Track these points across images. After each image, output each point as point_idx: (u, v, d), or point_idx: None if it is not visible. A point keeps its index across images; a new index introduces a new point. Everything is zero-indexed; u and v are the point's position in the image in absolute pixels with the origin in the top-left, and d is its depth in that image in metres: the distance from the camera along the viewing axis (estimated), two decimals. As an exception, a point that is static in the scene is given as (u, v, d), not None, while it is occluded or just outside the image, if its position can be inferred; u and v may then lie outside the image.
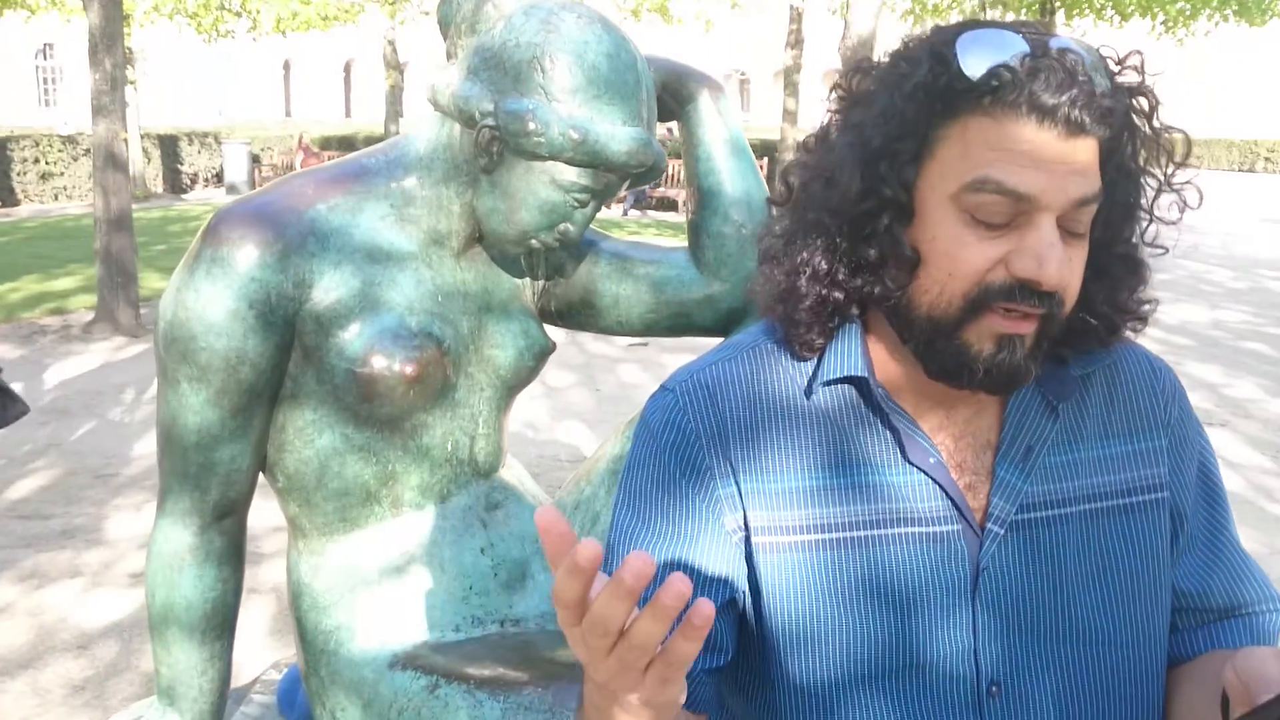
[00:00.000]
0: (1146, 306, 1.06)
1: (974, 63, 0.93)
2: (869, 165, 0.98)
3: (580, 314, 1.80)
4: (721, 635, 1.05)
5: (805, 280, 1.03)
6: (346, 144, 22.78)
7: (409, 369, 1.52)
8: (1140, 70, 0.98)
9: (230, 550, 1.63)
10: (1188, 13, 16.18)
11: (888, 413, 1.03)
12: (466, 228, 1.61)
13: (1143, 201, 1.02)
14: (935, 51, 0.96)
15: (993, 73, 0.92)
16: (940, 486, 1.02)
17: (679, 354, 7.86)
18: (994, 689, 1.03)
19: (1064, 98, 0.90)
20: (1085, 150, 0.93)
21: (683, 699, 0.83)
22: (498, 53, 1.49)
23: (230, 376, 1.49)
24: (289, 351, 1.53)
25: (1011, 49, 0.93)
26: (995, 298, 0.94)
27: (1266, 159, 37.30)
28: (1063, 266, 0.92)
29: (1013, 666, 1.04)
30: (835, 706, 1.03)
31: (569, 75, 1.46)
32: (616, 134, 1.48)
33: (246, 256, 1.46)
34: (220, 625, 1.65)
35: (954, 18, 17.44)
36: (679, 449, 1.05)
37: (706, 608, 0.71)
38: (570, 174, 1.50)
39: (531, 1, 1.54)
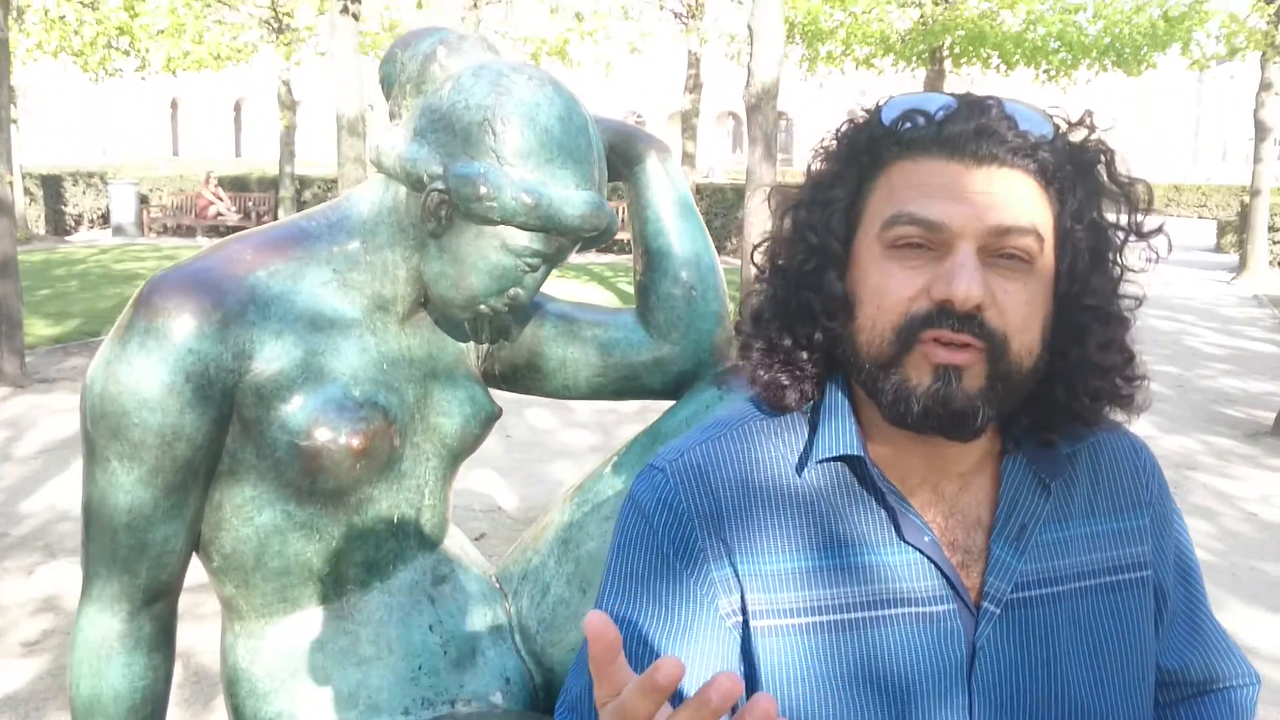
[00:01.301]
0: (1135, 386, 1.05)
1: (891, 112, 0.99)
2: (803, 218, 1.04)
3: (526, 378, 1.76)
4: None
5: (752, 328, 1.07)
6: (239, 184, 22.33)
7: (355, 441, 1.46)
8: (1089, 126, 1.00)
9: (161, 636, 1.53)
10: (1069, 62, 16.86)
11: (883, 492, 1.01)
12: (412, 293, 1.56)
13: (1110, 254, 1.03)
14: (865, 111, 1.03)
15: (906, 116, 0.97)
16: (936, 565, 1.01)
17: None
18: None
19: (969, 128, 0.94)
20: (1003, 181, 0.95)
21: None
22: (446, 114, 1.45)
23: (165, 454, 1.41)
24: (227, 426, 1.45)
25: (936, 104, 0.99)
26: (921, 326, 0.95)
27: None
28: (974, 282, 0.92)
29: None
30: None
31: (521, 138, 1.43)
32: (570, 198, 1.44)
33: (183, 327, 1.38)
34: (150, 716, 1.54)
35: (848, 66, 17.91)
36: (671, 530, 1.02)
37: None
38: (522, 239, 1.46)
39: (480, 61, 1.50)
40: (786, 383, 1.04)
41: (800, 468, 1.04)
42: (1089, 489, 1.09)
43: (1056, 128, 0.99)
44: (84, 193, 21.64)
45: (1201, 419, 7.64)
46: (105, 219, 21.62)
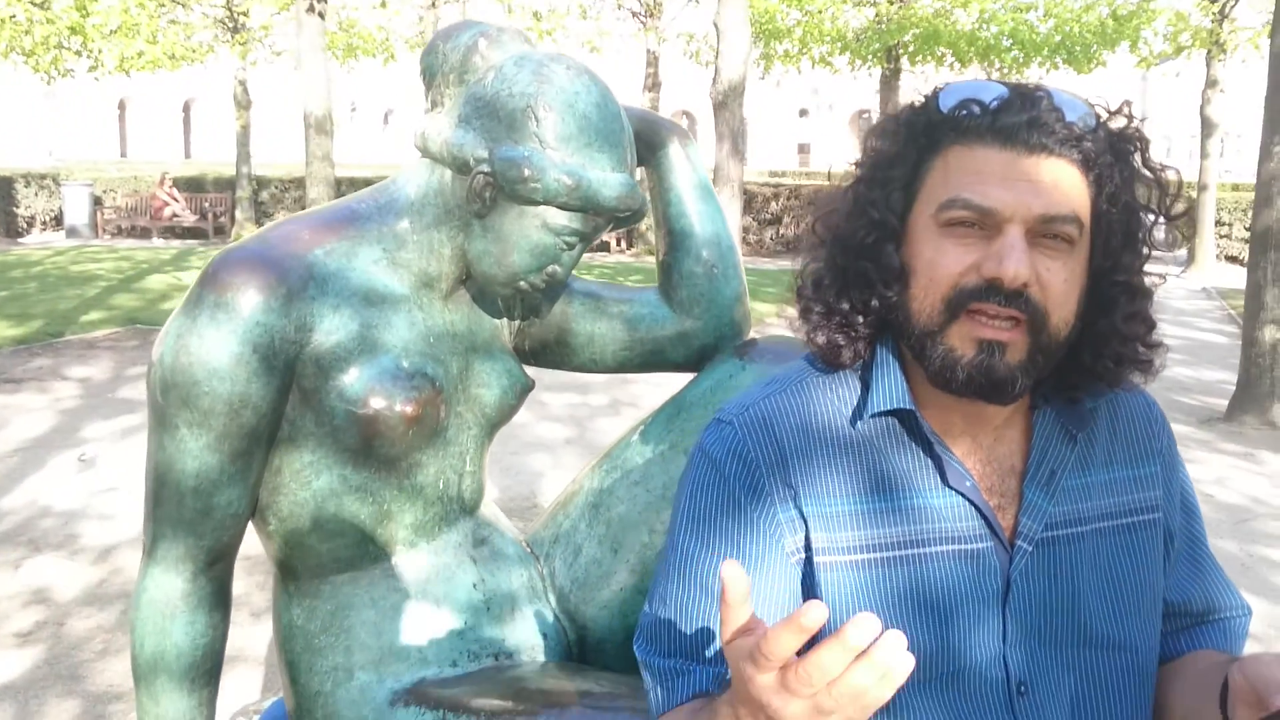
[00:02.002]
0: (1155, 352, 1.17)
1: (949, 100, 1.08)
2: (864, 193, 1.13)
3: (554, 352, 1.86)
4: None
5: (812, 292, 1.17)
6: (195, 185, 22.13)
7: (409, 409, 1.55)
8: (1128, 115, 1.11)
9: (220, 595, 1.62)
10: (1021, 60, 17.17)
11: (930, 442, 1.13)
12: (455, 270, 1.65)
13: (1140, 234, 1.14)
14: (924, 98, 1.12)
15: (962, 104, 1.07)
16: (976, 507, 1.13)
17: (562, 393, 7.92)
18: (1022, 689, 1.13)
19: (1023, 119, 1.04)
20: (1050, 170, 1.05)
21: None
22: (490, 101, 1.55)
23: (232, 421, 1.50)
24: (288, 395, 1.54)
25: (990, 93, 1.07)
26: (969, 298, 1.05)
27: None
28: (1021, 263, 1.03)
29: (1036, 669, 1.14)
30: (886, 712, 1.11)
31: (562, 124, 1.53)
32: (607, 180, 1.55)
33: (250, 301, 1.48)
34: (210, 672, 1.63)
35: (804, 65, 18.05)
36: (741, 477, 1.13)
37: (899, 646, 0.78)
38: (561, 218, 1.56)
39: (519, 52, 1.60)
40: (842, 343, 1.15)
41: (855, 420, 1.15)
42: (1108, 440, 1.22)
43: (1098, 117, 1.09)
44: (36, 194, 21.35)
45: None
46: (58, 221, 21.34)
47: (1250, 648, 3.90)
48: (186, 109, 55.39)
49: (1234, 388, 7.66)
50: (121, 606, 4.09)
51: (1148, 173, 1.12)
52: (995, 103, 1.06)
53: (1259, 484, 6.03)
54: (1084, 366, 1.14)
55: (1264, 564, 4.75)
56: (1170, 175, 1.14)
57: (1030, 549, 1.14)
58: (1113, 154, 1.09)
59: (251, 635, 3.84)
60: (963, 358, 1.06)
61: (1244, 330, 7.57)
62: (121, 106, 52.66)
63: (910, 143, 1.11)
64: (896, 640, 0.77)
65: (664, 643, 1.14)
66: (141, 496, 1.61)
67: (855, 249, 1.12)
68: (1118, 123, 1.11)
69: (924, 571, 1.12)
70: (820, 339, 1.16)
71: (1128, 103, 1.14)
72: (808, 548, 1.12)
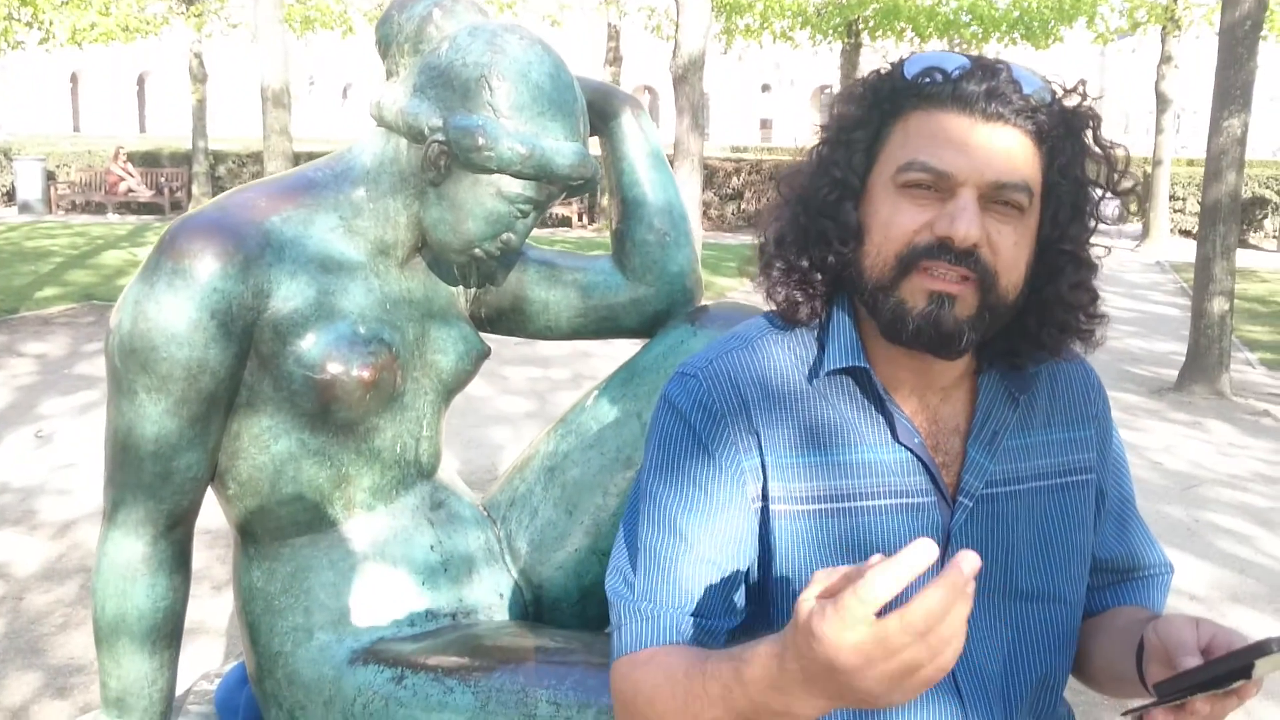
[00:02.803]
0: (1097, 323, 1.23)
1: (913, 68, 1.13)
2: (827, 154, 1.18)
3: (510, 319, 1.89)
4: (741, 596, 1.18)
5: (773, 248, 1.21)
6: (150, 160, 21.84)
7: (365, 374, 1.58)
8: (1083, 93, 1.16)
9: (180, 559, 1.65)
10: (980, 35, 17.28)
11: (882, 399, 1.18)
12: (411, 238, 1.68)
13: (1088, 207, 1.19)
14: (890, 64, 1.16)
15: (926, 72, 1.11)
16: (923, 463, 1.18)
17: (523, 367, 7.94)
18: None
19: (982, 88, 1.09)
20: (1005, 138, 1.10)
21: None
22: (445, 71, 1.57)
23: (190, 385, 1.52)
24: (246, 360, 1.57)
25: (953, 63, 1.11)
26: (921, 256, 1.10)
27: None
28: (973, 225, 1.07)
29: (972, 619, 1.19)
30: None
31: (515, 93, 1.56)
32: (561, 148, 1.58)
33: (207, 267, 1.50)
34: (170, 634, 1.66)
35: (766, 40, 18.02)
36: (707, 426, 1.18)
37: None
38: (515, 186, 1.59)
39: (473, 23, 1.62)
40: (800, 299, 1.19)
41: (811, 377, 1.20)
42: (1048, 403, 1.28)
43: (1053, 93, 1.14)
44: (-13, 169, 20.99)
45: (1110, 377, 8.00)
46: (10, 196, 20.99)
47: (1194, 609, 4.02)
48: (140, 83, 54.55)
49: (1184, 358, 7.80)
50: (80, 580, 4.09)
51: (1098, 149, 1.17)
52: (957, 71, 1.09)
53: (1206, 452, 6.16)
54: (1029, 333, 1.19)
55: (1209, 529, 4.87)
56: (1119, 152, 1.19)
57: (970, 505, 1.19)
58: (1065, 128, 1.14)
59: (212, 608, 3.85)
60: (914, 309, 1.10)
61: (1193, 302, 7.71)
62: (74, 80, 51.75)
63: (874, 107, 1.15)
64: (975, 562, 0.80)
65: (638, 585, 1.18)
66: (100, 472, 1.63)
67: (816, 207, 1.17)
68: (1072, 100, 1.16)
69: (870, 523, 1.17)
70: (780, 295, 1.20)
71: (1083, 81, 1.18)
72: (765, 496, 1.17)
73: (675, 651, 1.11)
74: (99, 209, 20.26)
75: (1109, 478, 1.34)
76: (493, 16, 1.72)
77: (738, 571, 1.17)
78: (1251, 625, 3.87)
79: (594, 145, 1.76)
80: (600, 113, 1.85)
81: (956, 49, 16.28)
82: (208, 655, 3.52)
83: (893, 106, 1.13)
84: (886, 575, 0.80)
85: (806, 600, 0.86)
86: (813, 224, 1.17)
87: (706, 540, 1.16)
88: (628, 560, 1.20)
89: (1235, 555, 4.55)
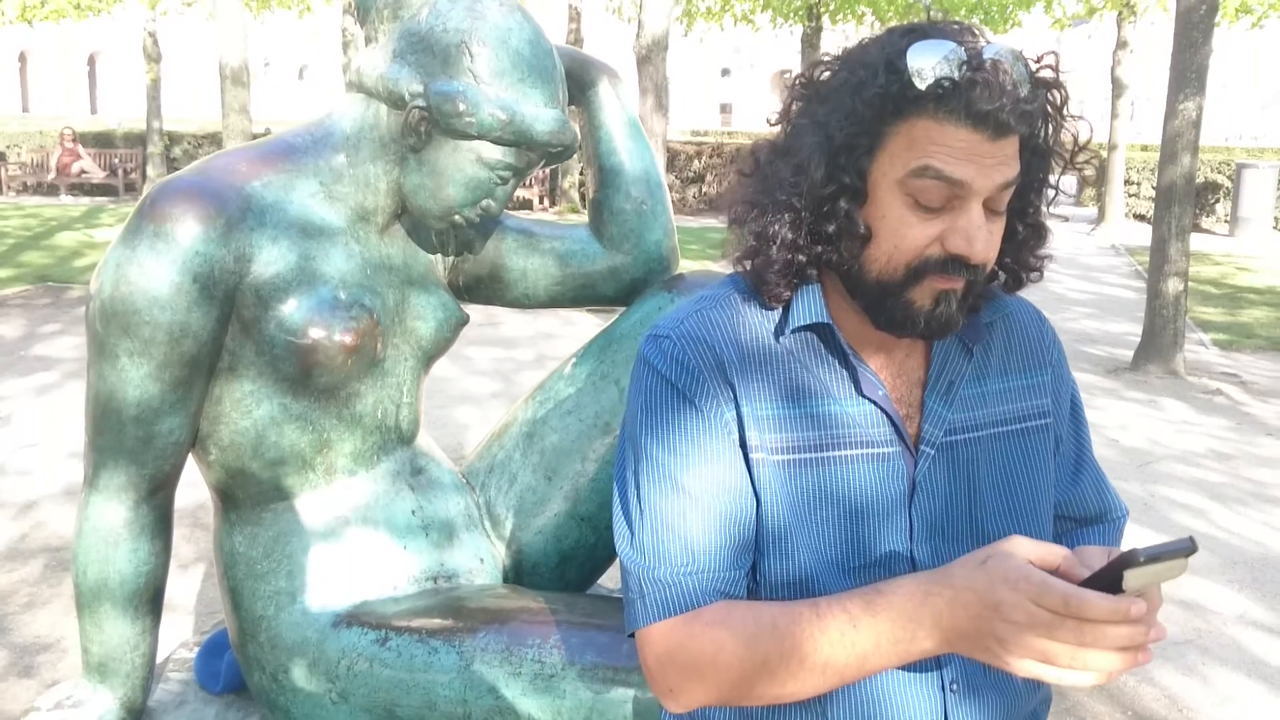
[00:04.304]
0: (1044, 261, 1.28)
1: (921, 74, 1.11)
2: (832, 157, 1.17)
3: (488, 287, 1.91)
4: (751, 541, 1.20)
5: (776, 248, 1.21)
6: (104, 140, 21.50)
7: (347, 339, 1.59)
8: (1055, 68, 1.19)
9: (162, 524, 1.65)
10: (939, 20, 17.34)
11: (846, 354, 1.21)
12: (391, 204, 1.69)
13: (1049, 178, 1.24)
14: (889, 61, 1.14)
15: (937, 83, 1.11)
16: (886, 415, 1.21)
17: (488, 347, 7.93)
18: None
19: (995, 105, 1.10)
20: (1010, 145, 1.13)
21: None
22: (425, 37, 1.58)
23: (173, 349, 1.52)
24: (228, 325, 1.57)
25: (952, 57, 1.11)
26: (932, 269, 1.14)
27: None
28: (989, 245, 1.13)
29: (940, 564, 1.23)
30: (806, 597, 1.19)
31: (495, 59, 1.57)
32: (540, 115, 1.59)
33: (189, 231, 1.50)
34: (152, 599, 1.66)
35: (727, 23, 17.92)
36: (686, 381, 1.20)
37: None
38: (495, 152, 1.60)
39: (453, -10, 1.63)
40: (787, 293, 1.22)
41: (778, 335, 1.23)
42: (1003, 351, 1.32)
43: (1032, 76, 1.14)
44: (-66, 150, 20.58)
45: (1067, 357, 8.12)
46: (-41, 177, 20.60)
47: (1131, 548, 4.09)
48: (91, 62, 53.61)
49: (1139, 339, 7.93)
50: (45, 560, 4.06)
51: (1065, 125, 1.21)
52: (961, 69, 1.09)
53: (1161, 429, 6.28)
54: (982, 283, 1.23)
55: (1165, 503, 4.97)
56: (1082, 126, 1.22)
57: (933, 453, 1.23)
58: (1042, 112, 1.17)
59: (179, 585, 3.84)
60: (921, 309, 1.16)
61: (1149, 283, 7.82)
62: (22, 59, 50.78)
63: (879, 108, 1.13)
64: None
65: (650, 550, 1.19)
66: (61, 452, 1.63)
67: (827, 213, 1.17)
68: (1044, 74, 1.19)
69: (840, 472, 1.20)
70: (774, 291, 1.22)
71: (1054, 53, 1.21)
72: (744, 444, 1.19)
73: (749, 605, 1.15)
74: (52, 190, 19.95)
75: (1065, 422, 1.38)
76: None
77: (746, 518, 1.20)
78: (1205, 596, 3.97)
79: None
80: (578, 81, 1.86)
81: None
82: (176, 632, 3.51)
83: (897, 108, 1.13)
84: (1101, 610, 0.92)
85: (1014, 552, 0.98)
86: (818, 227, 1.18)
87: (710, 493, 1.18)
88: (635, 525, 1.21)
89: (1190, 528, 4.65)
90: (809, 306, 1.22)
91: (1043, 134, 1.18)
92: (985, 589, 0.97)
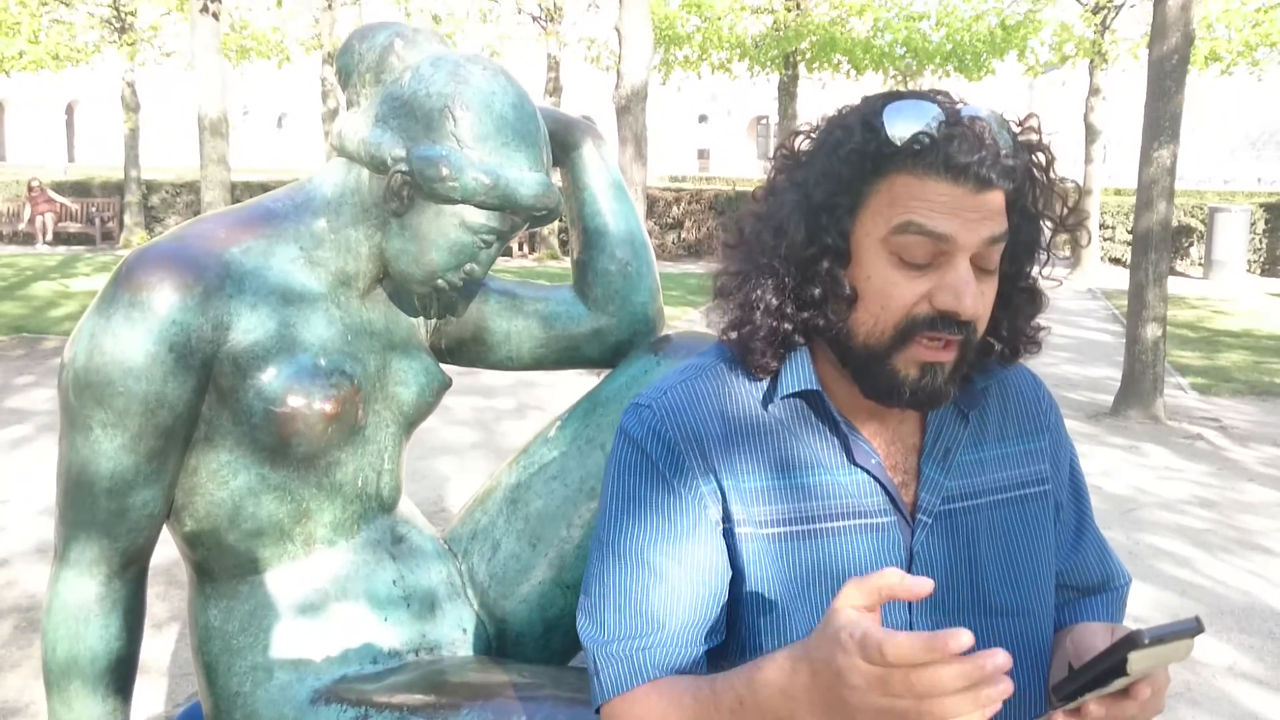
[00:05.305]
0: (1041, 333, 1.26)
1: (898, 130, 1.10)
2: (812, 218, 1.15)
3: (471, 350, 1.88)
4: (720, 618, 1.17)
5: (760, 314, 1.19)
6: (81, 189, 21.46)
7: (328, 406, 1.55)
8: (1038, 130, 1.17)
9: (134, 599, 1.60)
10: (914, 68, 17.60)
11: (837, 421, 1.18)
12: (373, 269, 1.66)
13: (1041, 241, 1.22)
14: (865, 120, 1.14)
15: (915, 138, 1.10)
16: (880, 484, 1.19)
17: (468, 397, 7.89)
18: None
19: (974, 158, 1.09)
20: (993, 200, 1.11)
21: None
22: (408, 101, 1.56)
23: (148, 420, 1.48)
24: (204, 394, 1.53)
25: (929, 115, 1.10)
26: (921, 328, 1.11)
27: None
28: (977, 300, 1.11)
29: None
30: None
31: (479, 124, 1.55)
32: (525, 179, 1.57)
33: (166, 300, 1.47)
34: (124, 676, 1.61)
35: (704, 70, 18.16)
36: (663, 455, 1.17)
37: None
38: (479, 217, 1.58)
39: (436, 53, 1.62)
40: (775, 364, 1.20)
41: (766, 403, 1.21)
42: (999, 416, 1.30)
43: (1014, 137, 1.14)
44: (-91, 199, 20.46)
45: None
46: (-65, 226, 20.47)
47: (1136, 628, 4.07)
48: (70, 111, 53.61)
49: (1119, 384, 7.96)
50: (14, 621, 3.97)
51: (1053, 187, 1.20)
52: (940, 128, 1.08)
53: (1144, 475, 6.28)
54: (979, 348, 1.21)
55: (1149, 551, 4.95)
56: (1070, 186, 1.21)
57: (930, 522, 1.20)
58: (1027, 171, 1.16)
59: (152, 646, 3.76)
60: (908, 379, 1.13)
61: (1128, 329, 7.87)
62: (0, 108, 50.79)
63: (857, 166, 1.13)
64: (1001, 680, 0.82)
65: (610, 625, 1.17)
66: (32, 508, 1.58)
67: (810, 276, 1.16)
68: (1028, 137, 1.18)
69: (833, 545, 1.17)
70: (760, 361, 1.20)
71: (1035, 115, 1.20)
72: (728, 519, 1.17)
73: (672, 682, 1.11)
74: (27, 239, 19.84)
75: (1065, 488, 1.36)
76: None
77: (713, 595, 1.17)
78: (1194, 647, 3.94)
79: (555, 177, 1.75)
80: (562, 143, 1.85)
81: (892, 81, 16.52)
82: (150, 695, 3.43)
83: (875, 166, 1.12)
84: (915, 649, 0.82)
85: (844, 608, 0.89)
86: (802, 291, 1.16)
87: (676, 569, 1.15)
88: (597, 600, 1.19)
89: (1175, 577, 4.64)
90: (797, 373, 1.20)
91: (1030, 196, 1.17)
92: (828, 657, 0.89)
